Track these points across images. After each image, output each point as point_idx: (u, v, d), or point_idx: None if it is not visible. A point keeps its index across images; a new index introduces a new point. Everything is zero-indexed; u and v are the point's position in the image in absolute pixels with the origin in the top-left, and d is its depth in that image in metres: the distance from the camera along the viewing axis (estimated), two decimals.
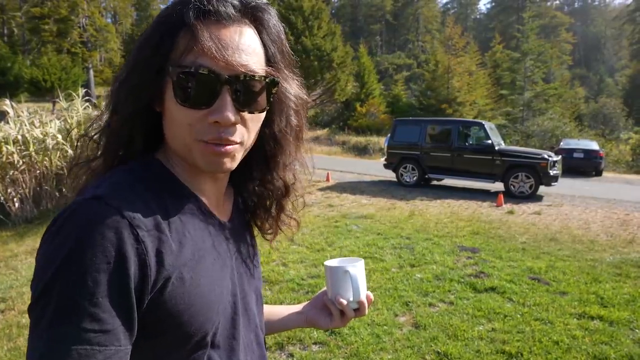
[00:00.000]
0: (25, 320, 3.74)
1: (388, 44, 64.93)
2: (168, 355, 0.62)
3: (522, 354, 3.19)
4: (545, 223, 7.57)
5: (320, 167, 14.16)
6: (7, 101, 8.74)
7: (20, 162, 7.26)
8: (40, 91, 27.29)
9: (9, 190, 7.23)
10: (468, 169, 10.52)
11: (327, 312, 0.91)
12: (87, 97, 9.45)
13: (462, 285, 4.54)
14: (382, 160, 12.34)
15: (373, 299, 0.91)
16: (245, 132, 0.65)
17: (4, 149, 7.25)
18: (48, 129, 7.87)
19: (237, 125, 0.63)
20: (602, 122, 33.19)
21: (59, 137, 7.77)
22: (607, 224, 7.59)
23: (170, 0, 0.65)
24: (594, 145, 15.91)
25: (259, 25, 0.66)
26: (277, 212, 0.84)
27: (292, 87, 0.73)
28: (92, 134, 0.69)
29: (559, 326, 3.66)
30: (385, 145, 12.08)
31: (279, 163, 0.79)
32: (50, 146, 7.63)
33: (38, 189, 7.64)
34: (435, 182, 11.64)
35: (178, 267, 0.60)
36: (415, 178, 11.07)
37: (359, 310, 0.88)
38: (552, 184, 9.80)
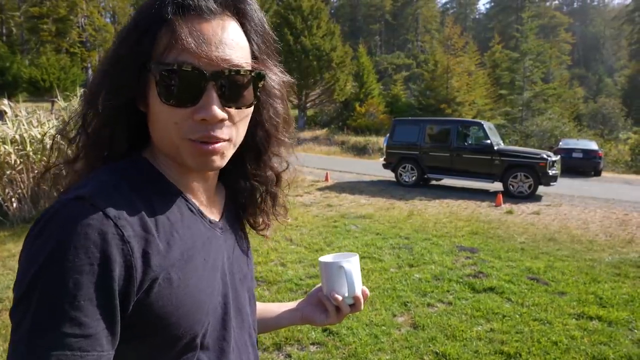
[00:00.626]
0: None
1: (387, 44, 64.97)
2: (156, 357, 0.60)
3: (520, 355, 3.18)
4: (544, 223, 7.57)
5: (319, 167, 14.18)
6: (5, 101, 8.71)
7: (18, 162, 7.24)
8: (39, 91, 27.27)
9: (6, 190, 7.21)
10: (467, 168, 10.53)
11: (323, 308, 0.90)
12: (83, 96, 9.41)
13: (460, 286, 4.54)
14: (381, 160, 12.34)
15: (369, 294, 0.90)
16: (234, 128, 0.64)
17: (2, 148, 7.23)
18: (46, 128, 7.86)
19: (224, 122, 0.62)
20: (601, 122, 33.25)
21: (57, 136, 7.72)
22: (606, 224, 7.59)
23: None
24: (593, 145, 15.92)
25: (242, 18, 0.64)
26: (272, 203, 0.83)
27: (276, 75, 0.71)
28: (71, 135, 0.67)
29: (558, 326, 3.65)
30: (384, 145, 12.07)
31: (269, 154, 0.77)
32: (48, 146, 7.61)
33: (36, 188, 7.62)
34: (434, 182, 11.64)
35: (165, 268, 0.58)
36: (414, 178, 11.07)
37: (354, 305, 0.87)
38: (551, 183, 9.81)
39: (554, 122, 24.34)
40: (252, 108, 0.67)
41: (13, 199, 7.30)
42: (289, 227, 6.52)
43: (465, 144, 10.75)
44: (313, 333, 3.38)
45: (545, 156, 9.83)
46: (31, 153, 7.36)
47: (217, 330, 0.67)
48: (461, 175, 10.64)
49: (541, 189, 10.07)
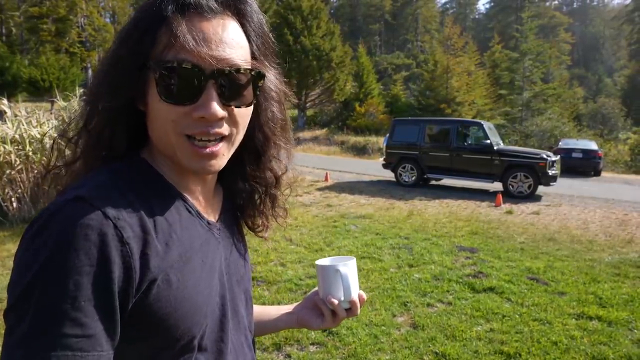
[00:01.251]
0: None
1: (387, 44, 64.96)
2: (155, 358, 0.60)
3: (520, 355, 3.18)
4: (544, 223, 7.57)
5: (318, 167, 14.18)
6: (5, 101, 8.69)
7: (18, 162, 7.23)
8: (39, 91, 27.23)
9: (6, 190, 7.20)
10: (467, 168, 10.53)
11: (319, 312, 0.89)
12: (84, 96, 9.40)
13: (460, 286, 4.53)
14: (381, 160, 12.34)
15: (366, 298, 0.89)
16: (233, 127, 0.63)
17: (1, 148, 7.23)
18: (46, 128, 7.85)
19: (223, 120, 0.62)
20: (600, 122, 33.25)
21: (55, 135, 7.71)
22: (606, 224, 7.59)
23: None
24: (592, 145, 15.93)
25: (242, 18, 0.64)
26: (271, 205, 0.82)
27: (275, 78, 0.71)
28: (70, 135, 0.67)
29: (558, 326, 3.65)
30: (384, 145, 12.07)
31: (268, 156, 0.77)
32: (48, 146, 7.60)
33: (36, 188, 7.61)
34: (434, 182, 11.64)
35: (164, 269, 0.58)
36: (414, 178, 11.07)
37: (350, 310, 0.86)
38: (551, 183, 9.81)
39: (553, 122, 24.35)
40: (251, 107, 0.66)
41: (13, 199, 7.30)
42: (289, 227, 6.52)
43: (465, 144, 10.75)
44: (313, 333, 3.37)
45: (545, 156, 9.83)
46: (31, 153, 7.35)
47: (214, 331, 0.67)
48: (461, 175, 10.64)
49: (541, 189, 10.07)
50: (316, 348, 3.25)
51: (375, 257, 5.42)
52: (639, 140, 22.32)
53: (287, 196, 0.86)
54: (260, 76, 0.65)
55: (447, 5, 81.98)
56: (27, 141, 7.39)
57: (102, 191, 0.57)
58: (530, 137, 23.52)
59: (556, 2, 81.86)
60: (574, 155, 15.22)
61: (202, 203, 0.71)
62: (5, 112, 8.46)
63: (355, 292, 0.86)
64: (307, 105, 29.74)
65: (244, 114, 0.65)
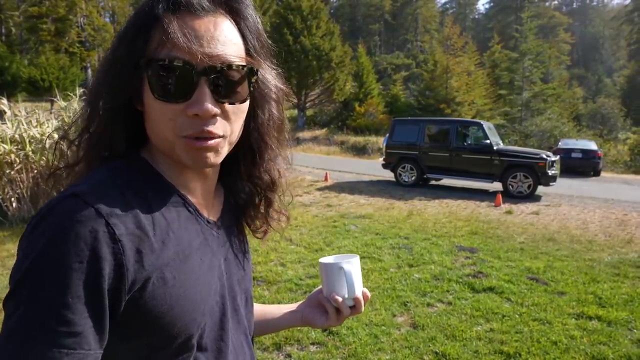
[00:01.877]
0: None
1: (387, 44, 64.97)
2: (153, 357, 0.60)
3: (520, 354, 3.18)
4: (544, 223, 7.57)
5: (318, 167, 14.18)
6: (4, 100, 8.69)
7: (17, 162, 7.23)
8: (38, 91, 27.22)
9: (6, 190, 7.20)
10: (466, 168, 10.53)
11: (323, 310, 0.89)
12: (84, 97, 9.40)
13: (460, 286, 4.54)
14: (381, 160, 12.34)
15: (369, 296, 0.89)
16: (228, 124, 0.63)
17: (1, 148, 7.22)
18: (45, 128, 7.85)
19: (218, 118, 0.62)
20: (600, 122, 33.24)
21: (56, 136, 7.75)
22: (605, 224, 7.60)
23: None
24: (592, 146, 15.93)
25: (236, 17, 0.64)
26: (265, 208, 0.82)
27: (272, 78, 0.71)
28: (72, 137, 0.67)
29: (557, 326, 3.65)
30: (384, 145, 12.07)
31: (265, 157, 0.77)
32: (48, 145, 7.59)
33: (35, 188, 7.61)
34: (433, 182, 11.64)
35: (159, 267, 0.58)
36: (413, 178, 11.08)
37: (354, 307, 0.86)
38: (551, 184, 9.82)
39: (553, 122, 24.37)
40: (246, 104, 0.66)
41: (12, 199, 7.29)
42: (289, 227, 6.51)
43: (465, 144, 10.76)
44: (313, 333, 3.37)
45: (544, 156, 9.84)
46: (30, 153, 7.34)
47: (214, 330, 0.67)
48: (460, 175, 10.64)
49: (540, 189, 10.07)
50: (316, 348, 3.25)
51: (375, 257, 5.42)
52: (638, 141, 22.32)
53: (289, 203, 0.85)
54: (253, 72, 0.65)
55: (447, 5, 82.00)
56: (26, 141, 7.38)
57: (99, 188, 0.57)
58: (530, 137, 23.53)
59: (556, 2, 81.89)
60: (574, 155, 15.23)
61: (202, 202, 0.71)
62: (5, 112, 8.45)
63: (359, 290, 0.86)
64: (307, 105, 29.74)
65: (239, 111, 0.65)
